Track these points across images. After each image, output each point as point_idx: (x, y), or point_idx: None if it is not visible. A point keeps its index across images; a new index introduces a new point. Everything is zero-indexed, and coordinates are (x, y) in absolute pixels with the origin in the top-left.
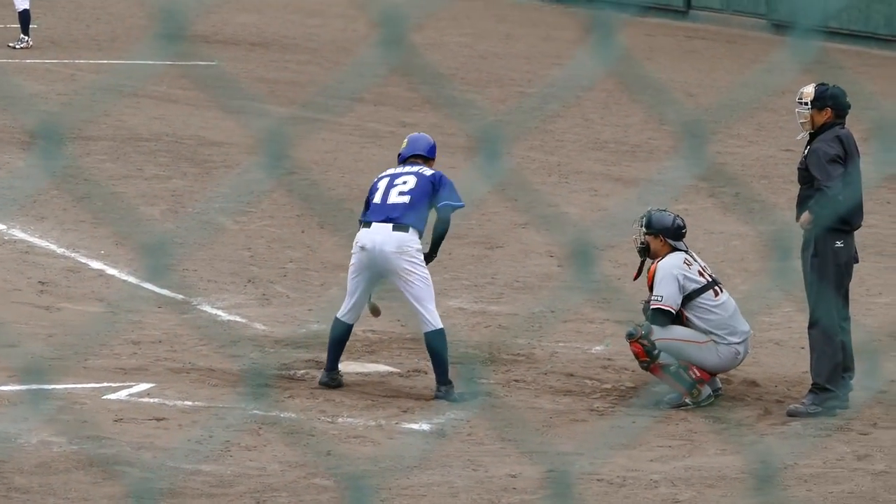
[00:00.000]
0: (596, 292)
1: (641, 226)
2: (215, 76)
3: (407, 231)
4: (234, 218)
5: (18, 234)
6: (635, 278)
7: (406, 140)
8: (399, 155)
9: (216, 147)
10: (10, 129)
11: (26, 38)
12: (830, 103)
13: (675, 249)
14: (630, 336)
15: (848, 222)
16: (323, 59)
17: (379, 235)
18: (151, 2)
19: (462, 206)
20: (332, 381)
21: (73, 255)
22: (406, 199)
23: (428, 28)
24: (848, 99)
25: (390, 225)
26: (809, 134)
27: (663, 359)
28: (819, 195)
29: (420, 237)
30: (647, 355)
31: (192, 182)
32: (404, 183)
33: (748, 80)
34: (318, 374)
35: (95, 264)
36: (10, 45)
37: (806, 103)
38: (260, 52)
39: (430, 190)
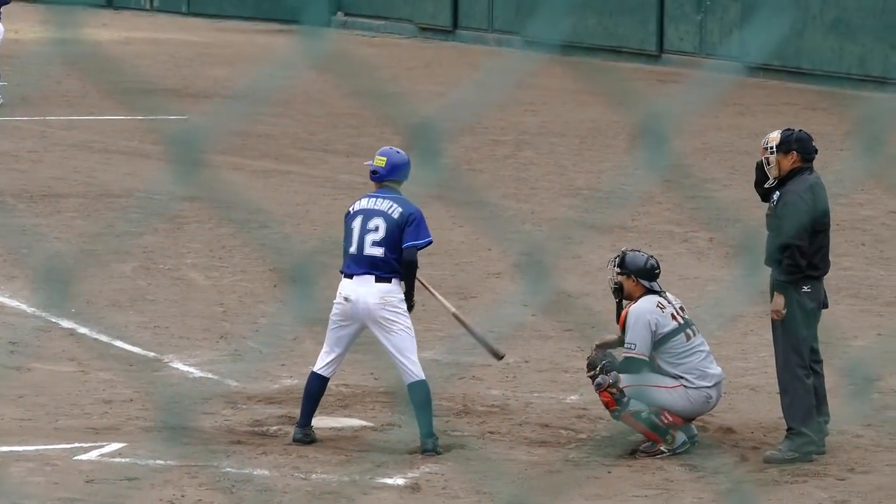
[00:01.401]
0: (570, 341)
1: (615, 266)
2: (186, 130)
3: (389, 282)
4: (206, 273)
5: None
6: (619, 322)
7: (385, 158)
8: (373, 172)
9: (188, 202)
10: None
11: None
12: (796, 146)
13: (649, 290)
14: (599, 386)
15: (816, 267)
16: (295, 112)
17: (363, 287)
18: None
19: (429, 242)
20: (306, 436)
21: (43, 314)
22: (380, 251)
23: (402, 77)
24: (814, 143)
25: (373, 277)
26: (778, 181)
27: (634, 405)
28: (788, 251)
29: (401, 285)
30: (616, 403)
31: (164, 238)
32: (376, 229)
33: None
34: (292, 430)
35: (66, 323)
36: None
37: (771, 148)
38: (231, 105)
39: (400, 234)
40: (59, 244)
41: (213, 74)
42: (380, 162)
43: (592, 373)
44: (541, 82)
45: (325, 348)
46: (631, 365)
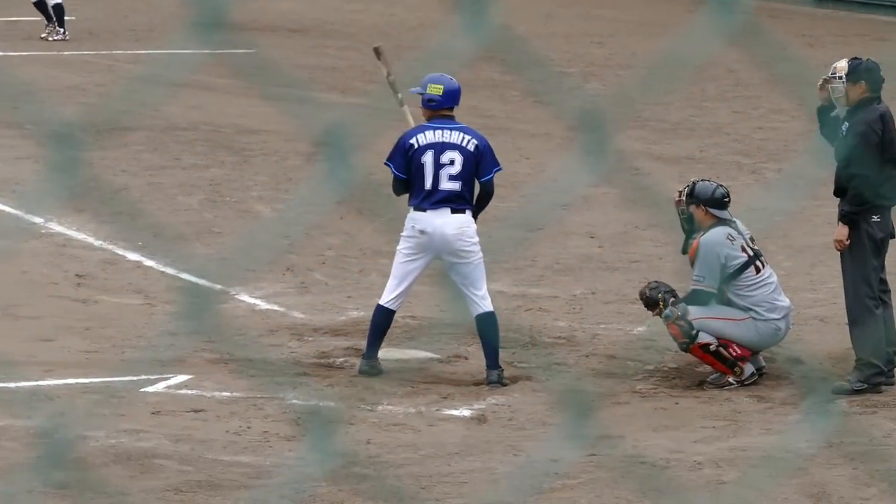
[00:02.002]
0: (637, 272)
1: (685, 196)
2: (254, 64)
3: (464, 213)
4: (272, 205)
5: (55, 227)
6: (690, 253)
7: (441, 86)
8: (429, 101)
9: (254, 135)
10: (48, 121)
11: (62, 30)
12: (865, 77)
13: (719, 220)
14: (667, 318)
15: (885, 196)
16: (362, 45)
17: (439, 219)
18: None
19: (500, 169)
20: (372, 368)
21: (110, 247)
22: (457, 185)
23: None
24: (882, 73)
25: (448, 209)
26: (847, 110)
27: (702, 338)
28: (854, 182)
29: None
30: (684, 336)
31: (230, 171)
32: (451, 163)
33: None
34: (357, 363)
35: (133, 256)
36: (44, 36)
37: (840, 77)
38: (299, 39)
39: (475, 166)
40: (126, 177)
41: (279, 7)
42: (435, 90)
43: (658, 309)
44: (608, 14)
45: (391, 281)
46: (699, 297)
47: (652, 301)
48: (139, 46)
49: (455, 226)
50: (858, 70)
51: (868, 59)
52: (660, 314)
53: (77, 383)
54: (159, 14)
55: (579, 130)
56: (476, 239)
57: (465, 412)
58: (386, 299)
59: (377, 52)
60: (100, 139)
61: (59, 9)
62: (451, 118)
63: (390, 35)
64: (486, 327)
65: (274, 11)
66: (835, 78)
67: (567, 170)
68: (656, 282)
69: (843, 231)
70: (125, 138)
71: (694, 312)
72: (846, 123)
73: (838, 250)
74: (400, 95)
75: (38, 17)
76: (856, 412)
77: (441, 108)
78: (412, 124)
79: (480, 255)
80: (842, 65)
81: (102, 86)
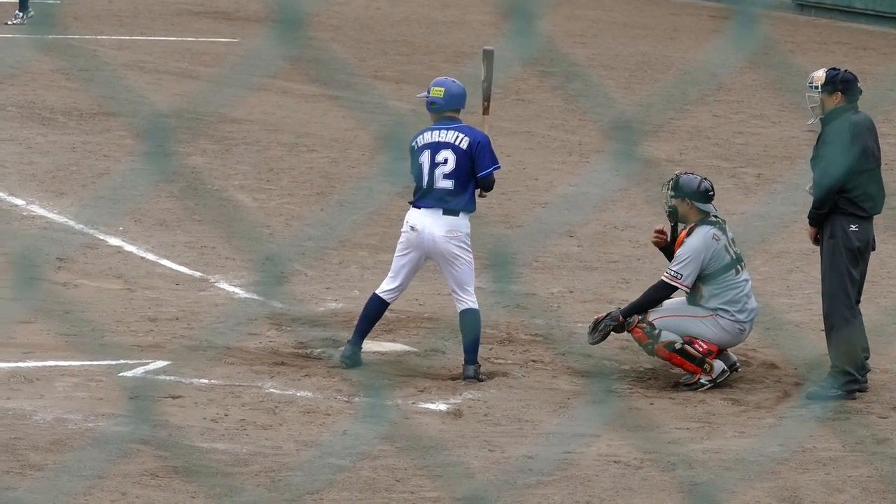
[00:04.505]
0: (615, 272)
1: (669, 189)
2: (237, 53)
3: (457, 215)
4: (253, 195)
5: (37, 209)
6: (675, 246)
7: (442, 89)
8: (432, 104)
9: (236, 124)
10: (31, 104)
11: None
12: (841, 87)
13: (703, 213)
14: (629, 324)
15: (861, 207)
16: (345, 37)
17: (429, 218)
18: None
19: (499, 168)
20: (354, 355)
21: (91, 231)
22: (450, 183)
23: (452, 6)
24: (860, 84)
25: (441, 209)
26: (821, 119)
27: (665, 336)
28: (821, 188)
29: (469, 217)
30: (648, 338)
31: (212, 159)
32: (445, 162)
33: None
34: (336, 353)
35: (113, 241)
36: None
37: (816, 87)
38: (282, 30)
39: (470, 164)
40: (108, 163)
41: None
42: (437, 93)
43: (614, 326)
44: (591, 14)
45: (390, 273)
46: (670, 293)
47: (606, 333)
48: (124, 32)
49: (445, 228)
50: (835, 81)
51: (846, 71)
52: (621, 328)
53: (56, 366)
54: (144, 0)
55: (561, 130)
56: (467, 242)
57: (442, 406)
58: (381, 289)
59: (487, 55)
60: (83, 123)
61: None
62: (455, 120)
63: (374, 29)
64: (469, 323)
65: (257, 1)
66: (811, 87)
67: (545, 168)
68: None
69: (810, 230)
70: (108, 123)
71: (656, 313)
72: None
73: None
74: (486, 104)
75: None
76: (829, 418)
77: (444, 111)
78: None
79: (471, 257)
80: (819, 74)
81: (86, 70)
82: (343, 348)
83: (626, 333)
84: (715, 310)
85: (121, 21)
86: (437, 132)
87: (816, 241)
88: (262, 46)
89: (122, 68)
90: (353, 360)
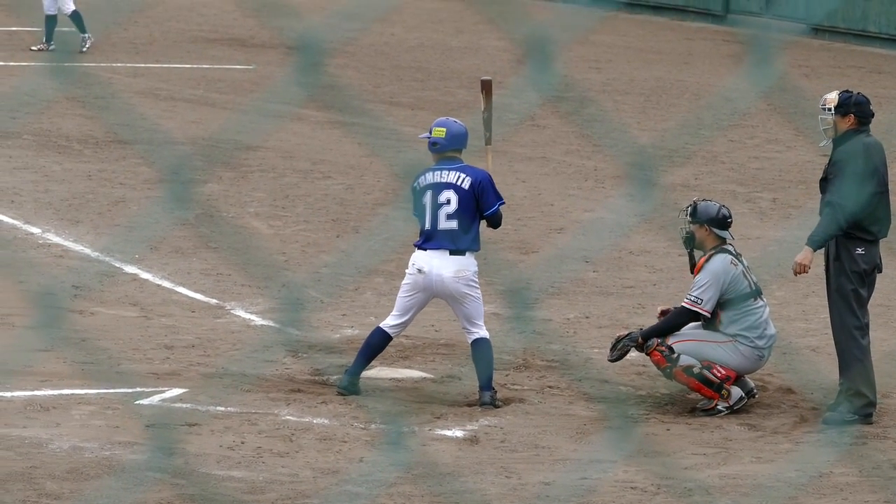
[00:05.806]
0: (631, 297)
1: (687, 215)
2: (252, 80)
3: (464, 255)
4: (269, 222)
5: (53, 237)
6: (693, 271)
7: (444, 129)
8: (434, 144)
9: (252, 151)
10: (47, 132)
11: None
12: (854, 110)
13: (720, 240)
14: (648, 347)
15: (868, 231)
16: (360, 64)
17: (436, 259)
18: (188, 8)
19: (504, 203)
20: (352, 385)
21: (107, 259)
22: (454, 224)
23: (466, 32)
24: (871, 106)
25: (447, 251)
26: (833, 141)
27: (684, 360)
28: (828, 209)
29: (476, 255)
30: (667, 361)
31: (228, 186)
32: (448, 202)
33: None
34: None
35: (129, 268)
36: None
37: (829, 109)
38: (297, 56)
39: (474, 203)
40: (124, 190)
41: (278, 24)
42: (439, 133)
43: (633, 346)
44: (606, 39)
45: (394, 311)
46: (691, 318)
47: (625, 352)
48: (139, 59)
49: (454, 269)
50: (848, 103)
51: (858, 93)
52: (641, 349)
53: (72, 394)
54: (159, 27)
55: (576, 155)
56: (475, 280)
57: (458, 433)
58: (387, 324)
59: (485, 85)
60: (98, 151)
61: (75, 16)
62: (457, 160)
63: (388, 55)
64: (481, 353)
65: (272, 28)
66: (824, 109)
67: (561, 194)
68: (615, 341)
69: (806, 254)
70: (123, 151)
71: (673, 337)
72: (831, 157)
73: (796, 273)
74: (488, 134)
75: (38, 28)
76: (846, 443)
77: (445, 151)
78: (489, 166)
79: (479, 293)
80: (832, 97)
81: (101, 98)
82: (339, 377)
83: (644, 357)
84: (734, 336)
85: (136, 48)
86: (438, 172)
87: (805, 268)
88: (278, 73)
89: (138, 96)
90: (350, 389)
